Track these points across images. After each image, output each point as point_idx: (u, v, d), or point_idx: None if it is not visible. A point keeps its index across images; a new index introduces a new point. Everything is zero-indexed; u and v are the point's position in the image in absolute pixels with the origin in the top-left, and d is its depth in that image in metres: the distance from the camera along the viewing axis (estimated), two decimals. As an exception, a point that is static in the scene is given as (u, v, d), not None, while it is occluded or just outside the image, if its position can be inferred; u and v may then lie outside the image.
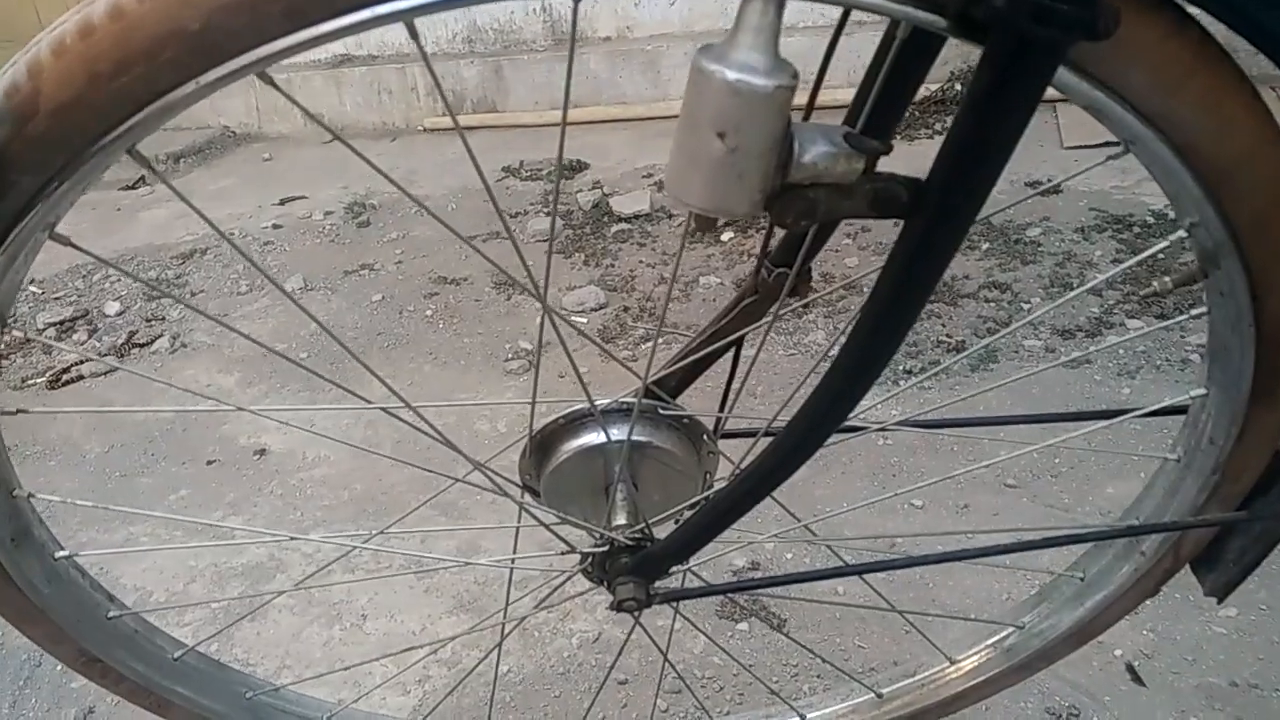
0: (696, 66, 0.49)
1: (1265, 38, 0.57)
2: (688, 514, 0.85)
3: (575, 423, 0.81)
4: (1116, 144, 0.69)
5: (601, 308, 2.64)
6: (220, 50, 0.48)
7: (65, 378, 2.51)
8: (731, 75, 0.48)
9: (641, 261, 2.88)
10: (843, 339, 0.65)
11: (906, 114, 3.35)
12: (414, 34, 0.50)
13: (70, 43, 0.48)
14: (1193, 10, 0.56)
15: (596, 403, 0.79)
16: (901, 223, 0.58)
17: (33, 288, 3.08)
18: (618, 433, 0.80)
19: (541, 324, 0.69)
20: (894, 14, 0.51)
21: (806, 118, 0.58)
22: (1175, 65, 0.57)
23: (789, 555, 1.62)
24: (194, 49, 0.48)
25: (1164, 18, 0.55)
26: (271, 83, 0.53)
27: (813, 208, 0.55)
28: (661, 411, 0.82)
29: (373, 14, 0.48)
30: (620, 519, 0.81)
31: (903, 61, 0.61)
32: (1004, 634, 1.07)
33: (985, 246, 2.67)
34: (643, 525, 0.82)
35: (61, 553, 0.79)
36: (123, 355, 2.65)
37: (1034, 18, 0.47)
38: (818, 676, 1.40)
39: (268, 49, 0.48)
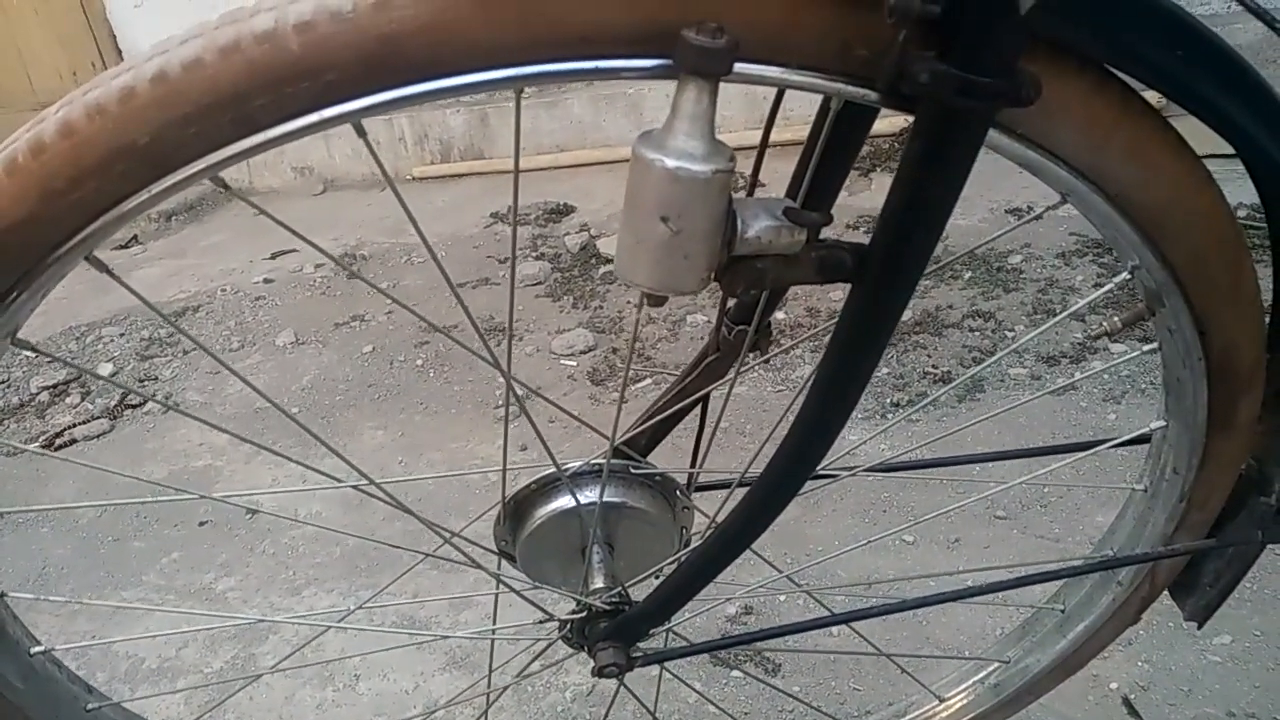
0: (636, 154, 0.50)
1: (1193, 100, 0.59)
2: (667, 572, 0.86)
3: (547, 487, 0.82)
4: (1053, 208, 0.72)
5: (590, 350, 2.65)
6: (170, 160, 0.50)
7: (59, 441, 2.52)
8: (670, 163, 0.49)
9: (629, 303, 2.90)
10: (803, 395, 0.66)
11: (884, 144, 3.36)
12: (361, 133, 0.52)
13: (23, 161, 0.50)
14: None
15: (565, 466, 0.80)
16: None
17: (27, 352, 3.08)
18: (589, 495, 0.80)
19: (508, 394, 0.70)
20: (825, 90, 0.53)
21: (751, 192, 0.60)
22: (1100, 121, 0.59)
23: (782, 598, 1.62)
24: (145, 161, 0.49)
25: (1087, 78, 0.57)
26: (225, 186, 0.55)
27: (760, 277, 0.56)
28: (633, 471, 0.83)
29: (320, 117, 0.50)
30: (597, 582, 0.82)
31: (839, 132, 0.63)
32: (990, 669, 1.08)
33: (968, 275, 2.69)
34: (619, 588, 0.82)
35: (38, 648, 0.79)
36: (116, 417, 2.66)
37: (958, 91, 0.49)
38: (813, 720, 1.40)
39: (218, 155, 0.50)
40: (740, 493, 0.74)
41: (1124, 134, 0.59)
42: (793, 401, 0.72)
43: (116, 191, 0.51)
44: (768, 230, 0.54)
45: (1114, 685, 1.38)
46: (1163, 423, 0.84)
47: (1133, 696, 1.36)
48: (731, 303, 0.81)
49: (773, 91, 0.58)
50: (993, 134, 0.58)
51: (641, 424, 0.84)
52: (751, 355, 0.80)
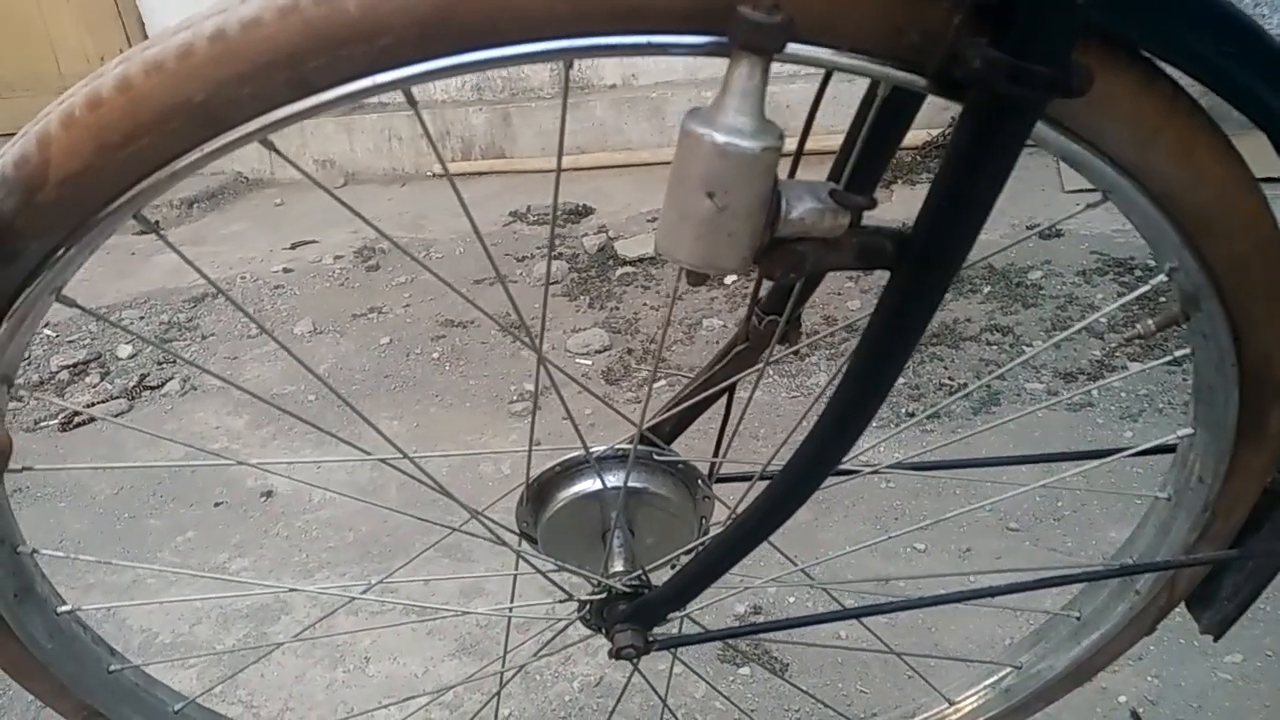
0: (685, 129, 0.51)
1: (1242, 97, 0.59)
2: (684, 559, 0.86)
3: (571, 470, 0.83)
4: (1092, 206, 0.72)
5: (605, 350, 2.66)
6: (225, 120, 0.50)
7: (77, 420, 2.53)
8: (720, 138, 0.49)
9: (645, 304, 2.91)
10: (835, 385, 0.66)
11: (907, 156, 3.39)
12: (411, 101, 0.53)
13: (79, 115, 0.50)
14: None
15: (592, 450, 0.80)
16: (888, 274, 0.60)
17: (47, 330, 3.11)
18: (613, 479, 0.81)
19: (538, 371, 0.70)
20: (874, 75, 0.53)
21: (792, 174, 0.60)
22: (1148, 118, 0.59)
23: (791, 599, 1.62)
24: (199, 119, 0.50)
25: (1136, 73, 0.57)
26: (274, 149, 0.56)
27: (800, 261, 0.56)
28: (656, 457, 0.83)
29: (374, 82, 0.50)
30: (617, 566, 0.82)
31: (884, 119, 0.63)
32: (1002, 674, 1.08)
33: (987, 289, 2.69)
34: (640, 572, 0.83)
35: (64, 608, 0.80)
36: (134, 398, 2.67)
37: (1010, 78, 0.49)
38: (819, 721, 1.40)
39: (272, 116, 0.50)
40: (761, 487, 0.74)
41: (1171, 132, 0.59)
42: (816, 399, 0.72)
43: (170, 148, 0.51)
44: (812, 212, 0.54)
45: (1123, 698, 1.37)
46: (1190, 430, 0.84)
47: (1141, 711, 1.35)
48: (763, 292, 0.81)
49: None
50: (1039, 127, 0.58)
51: (668, 410, 0.84)
52: (780, 346, 0.81)
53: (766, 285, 0.82)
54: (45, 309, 0.61)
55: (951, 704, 1.10)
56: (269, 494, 2.10)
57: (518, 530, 0.86)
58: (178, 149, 0.52)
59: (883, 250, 0.58)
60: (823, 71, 0.57)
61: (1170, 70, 0.58)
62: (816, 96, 0.62)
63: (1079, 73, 0.50)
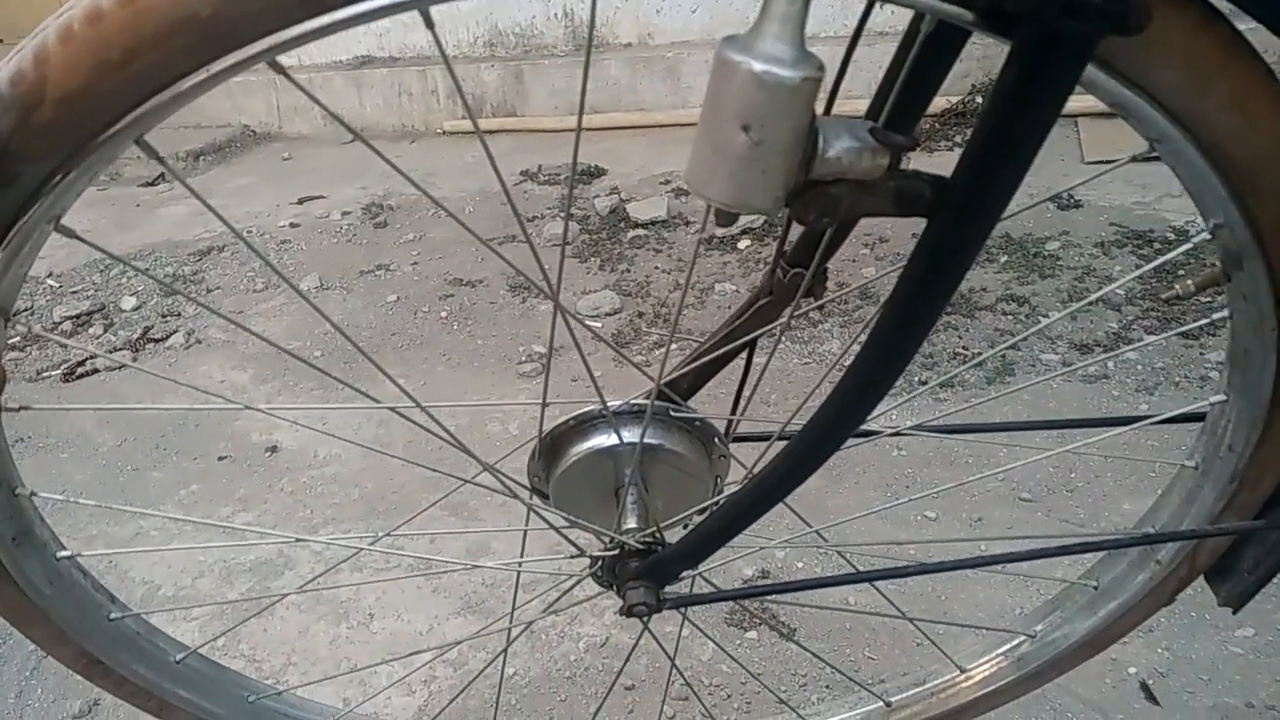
0: (721, 57, 0.48)
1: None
2: (697, 518, 0.84)
3: (586, 424, 0.80)
4: (1137, 159, 0.69)
5: (616, 312, 2.63)
6: (233, 37, 0.47)
7: (80, 371, 2.52)
8: (758, 67, 0.46)
9: (657, 267, 2.88)
10: (859, 344, 0.64)
11: (926, 124, 3.34)
12: (429, 23, 0.50)
13: (78, 29, 0.47)
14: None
15: (609, 404, 0.78)
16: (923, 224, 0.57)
17: (50, 281, 3.09)
18: (629, 435, 0.79)
19: (554, 321, 0.68)
20: (921, 7, 0.50)
21: (828, 112, 0.57)
22: (1204, 62, 0.56)
23: (800, 564, 1.61)
24: (207, 35, 0.47)
25: (1194, 13, 0.54)
26: (283, 71, 0.53)
27: (835, 204, 0.54)
28: (673, 414, 0.81)
29: (390, 0, 0.47)
30: (631, 523, 0.80)
31: (926, 57, 0.60)
32: (1016, 643, 1.06)
33: (1003, 259, 2.66)
34: (654, 529, 0.81)
35: (64, 553, 0.78)
36: (138, 350, 2.66)
37: (1065, 11, 0.46)
38: (826, 686, 1.38)
39: (282, 35, 0.47)
40: (779, 449, 0.72)
41: (1228, 80, 0.56)
42: (835, 363, 0.70)
43: (175, 67, 0.48)
44: (850, 151, 0.51)
45: (1133, 670, 1.36)
46: (1223, 397, 0.81)
47: (1151, 682, 1.34)
48: (789, 244, 0.78)
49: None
50: (1089, 69, 0.55)
51: (686, 366, 0.82)
52: (805, 301, 0.78)
53: (790, 239, 0.80)
54: (44, 238, 0.58)
55: (963, 671, 1.08)
56: (274, 449, 2.09)
57: (529, 485, 0.84)
58: (183, 68, 0.49)
59: (921, 196, 0.55)
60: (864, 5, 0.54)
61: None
62: (857, 29, 0.58)
63: (1138, 7, 0.47)
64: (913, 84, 0.61)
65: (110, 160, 0.55)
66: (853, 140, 0.51)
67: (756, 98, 0.47)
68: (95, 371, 2.52)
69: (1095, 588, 0.99)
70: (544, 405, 0.79)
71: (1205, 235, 0.69)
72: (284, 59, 0.51)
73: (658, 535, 0.82)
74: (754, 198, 0.50)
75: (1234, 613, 0.96)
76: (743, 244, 2.95)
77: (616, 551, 0.82)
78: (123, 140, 0.52)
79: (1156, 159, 0.66)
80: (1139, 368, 2.08)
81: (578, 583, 0.89)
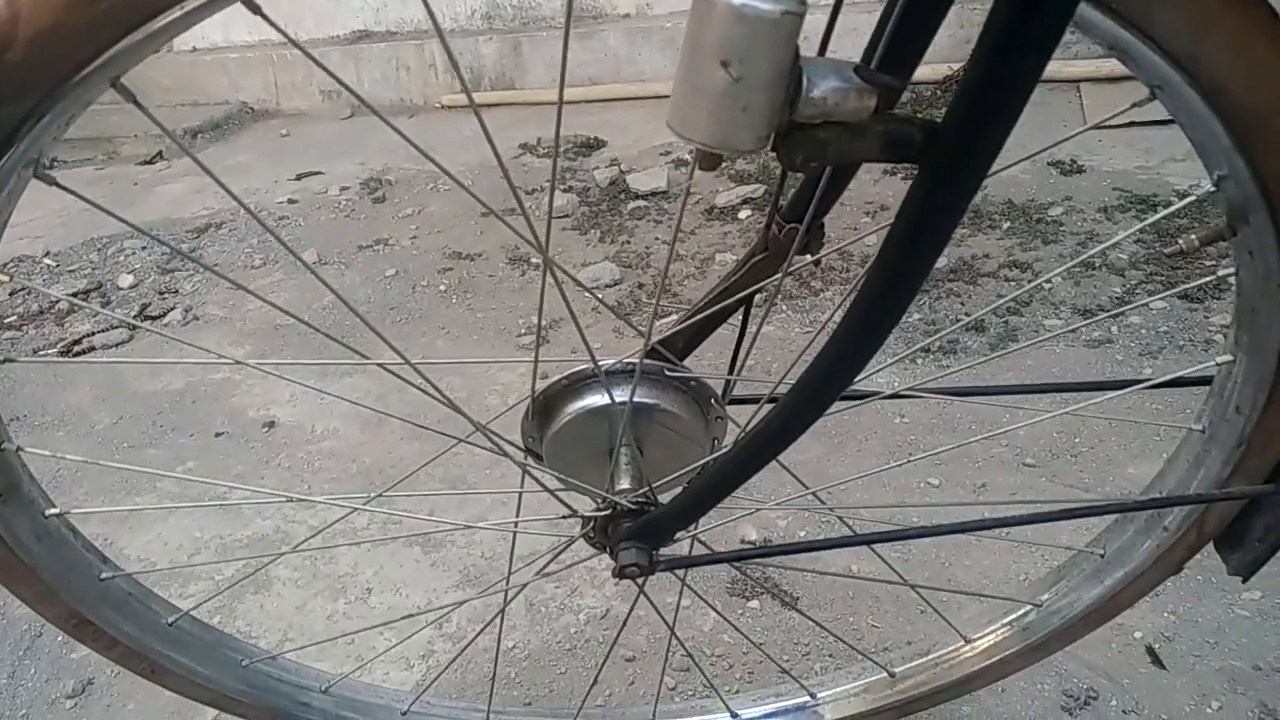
0: (700, -8, 0.46)
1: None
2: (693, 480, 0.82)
3: (578, 384, 0.79)
4: (1139, 104, 0.66)
5: (616, 284, 2.61)
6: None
7: (77, 348, 2.51)
8: (736, 0, 0.45)
9: (657, 239, 2.85)
10: (850, 300, 0.62)
11: (928, 90, 3.29)
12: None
13: None
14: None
15: (600, 363, 0.76)
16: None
17: (47, 260, 3.07)
18: (621, 394, 0.77)
19: (544, 276, 0.66)
20: (911, -60, 0.48)
21: (822, 54, 0.55)
22: (1204, 3, 0.53)
23: (802, 531, 1.60)
24: None
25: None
26: (259, 11, 0.51)
27: (822, 148, 0.52)
28: (668, 373, 0.79)
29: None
30: (624, 483, 0.79)
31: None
32: (1021, 612, 1.04)
33: (1006, 225, 2.63)
34: (646, 489, 0.79)
35: (52, 510, 0.77)
36: (135, 327, 2.64)
37: (1057, -59, 0.44)
38: (829, 656, 1.37)
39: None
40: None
41: (1230, 21, 0.54)
42: (828, 320, 0.68)
43: (148, 5, 0.47)
44: (835, 91, 0.49)
45: (1138, 634, 1.35)
46: (1229, 358, 0.79)
47: (1157, 646, 1.33)
48: (784, 200, 0.76)
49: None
50: (1084, 9, 0.53)
51: (681, 324, 0.80)
52: (802, 255, 0.76)
53: (787, 195, 0.78)
54: (22, 185, 0.57)
55: (968, 641, 1.07)
56: (271, 424, 2.08)
57: (523, 446, 0.82)
58: (157, 5, 0.47)
59: (910, 140, 0.54)
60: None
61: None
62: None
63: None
64: (906, 26, 0.59)
65: (87, 102, 0.53)
66: (838, 80, 0.49)
67: (736, 31, 0.45)
68: (93, 349, 2.51)
69: (1102, 555, 0.98)
70: (536, 363, 0.77)
71: (1209, 187, 0.66)
72: (279, 27, 0.49)
73: (651, 496, 0.80)
74: (735, 137, 0.48)
75: (1243, 581, 0.94)
76: (743, 214, 2.93)
77: (609, 512, 0.80)
78: (98, 81, 0.51)
79: (1159, 123, 0.64)
80: (1142, 332, 2.06)
81: (569, 544, 0.87)
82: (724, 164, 2.88)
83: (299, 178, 3.78)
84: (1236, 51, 0.56)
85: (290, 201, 3.49)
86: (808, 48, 0.48)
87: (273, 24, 0.53)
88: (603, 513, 0.81)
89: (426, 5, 0.50)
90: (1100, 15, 0.54)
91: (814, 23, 0.51)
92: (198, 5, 0.48)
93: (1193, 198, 0.73)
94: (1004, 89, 0.51)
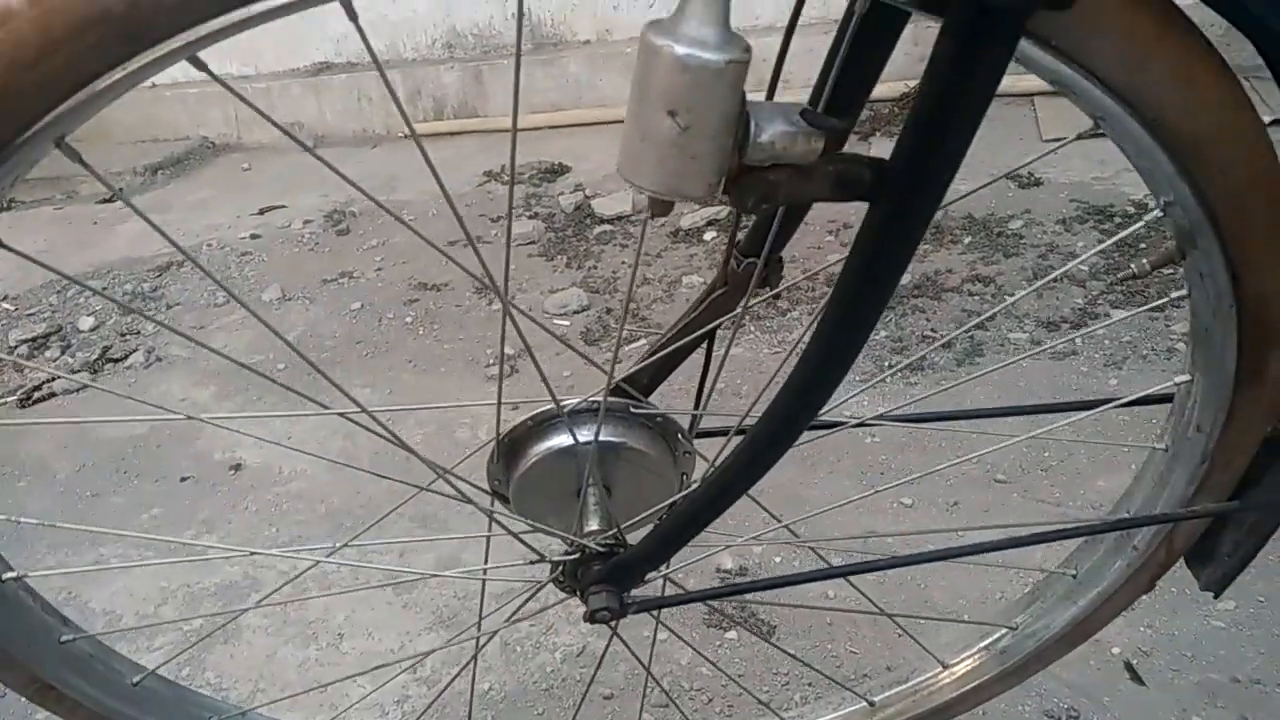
0: (645, 42, 0.46)
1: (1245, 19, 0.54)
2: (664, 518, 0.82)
3: (543, 424, 0.78)
4: (1084, 136, 0.67)
5: (584, 310, 2.61)
6: (148, 33, 0.45)
7: (36, 395, 2.46)
8: (680, 50, 0.44)
9: (624, 263, 2.85)
10: (811, 332, 0.62)
11: (884, 109, 3.32)
12: (352, 15, 0.47)
13: None
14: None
15: (563, 402, 0.75)
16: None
17: (5, 304, 3.03)
18: (586, 434, 0.76)
19: (503, 322, 0.65)
20: (852, -18, 0.48)
21: (770, 97, 0.55)
22: (1141, 37, 0.54)
23: (778, 559, 1.59)
24: (120, 32, 0.44)
25: (1125, -15, 0.52)
26: (204, 68, 0.50)
27: (773, 190, 0.52)
28: (633, 410, 0.78)
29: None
30: (592, 524, 0.78)
31: (863, 37, 0.58)
32: (997, 635, 1.04)
33: (967, 240, 2.65)
34: (614, 531, 0.78)
35: (9, 574, 0.75)
36: (96, 371, 2.60)
37: (993, -17, 0.44)
38: (809, 685, 1.36)
39: (200, 30, 0.45)
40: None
41: (1166, 52, 0.55)
42: (793, 349, 0.68)
43: (89, 67, 0.46)
44: (783, 135, 0.49)
45: (1116, 650, 1.35)
46: (1187, 377, 0.79)
47: (1135, 662, 1.33)
48: (742, 234, 0.76)
49: None
50: (1025, 46, 0.53)
51: (643, 361, 0.79)
52: (761, 291, 0.76)
53: (744, 229, 0.77)
54: None
55: (946, 667, 1.06)
56: (237, 467, 2.05)
57: (489, 489, 0.81)
58: (97, 67, 0.46)
59: (860, 179, 0.53)
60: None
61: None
62: (793, 15, 0.56)
63: (1064, -21, 0.45)
64: (852, 67, 0.59)
65: (31, 163, 0.52)
66: (785, 124, 0.49)
67: (681, 82, 0.45)
68: (53, 395, 2.47)
69: (1074, 576, 0.98)
70: (499, 405, 0.76)
71: (1158, 213, 0.67)
72: (238, 67, 0.48)
73: (619, 537, 0.79)
74: (685, 185, 0.48)
75: (1215, 597, 0.95)
76: (709, 235, 2.93)
77: (577, 555, 0.79)
78: (41, 142, 0.50)
79: (1104, 135, 0.64)
80: (1106, 343, 2.08)
81: (539, 589, 0.86)
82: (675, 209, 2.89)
83: (262, 212, 3.75)
84: (1176, 82, 0.57)
85: (253, 237, 3.46)
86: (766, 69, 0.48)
87: (217, 78, 0.53)
88: (571, 556, 0.80)
89: (363, 38, 0.49)
90: (1040, 51, 0.54)
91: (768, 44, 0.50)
92: (140, 66, 0.47)
93: (1141, 224, 0.74)
94: (949, 126, 0.51)
